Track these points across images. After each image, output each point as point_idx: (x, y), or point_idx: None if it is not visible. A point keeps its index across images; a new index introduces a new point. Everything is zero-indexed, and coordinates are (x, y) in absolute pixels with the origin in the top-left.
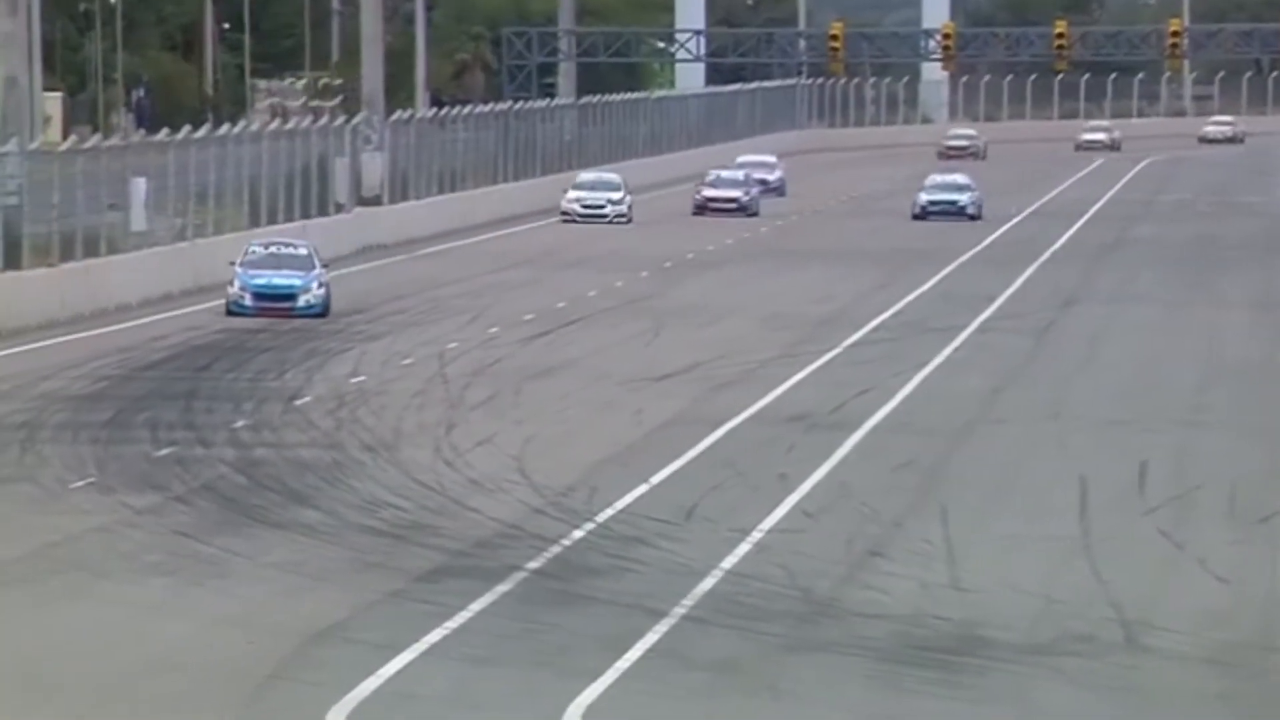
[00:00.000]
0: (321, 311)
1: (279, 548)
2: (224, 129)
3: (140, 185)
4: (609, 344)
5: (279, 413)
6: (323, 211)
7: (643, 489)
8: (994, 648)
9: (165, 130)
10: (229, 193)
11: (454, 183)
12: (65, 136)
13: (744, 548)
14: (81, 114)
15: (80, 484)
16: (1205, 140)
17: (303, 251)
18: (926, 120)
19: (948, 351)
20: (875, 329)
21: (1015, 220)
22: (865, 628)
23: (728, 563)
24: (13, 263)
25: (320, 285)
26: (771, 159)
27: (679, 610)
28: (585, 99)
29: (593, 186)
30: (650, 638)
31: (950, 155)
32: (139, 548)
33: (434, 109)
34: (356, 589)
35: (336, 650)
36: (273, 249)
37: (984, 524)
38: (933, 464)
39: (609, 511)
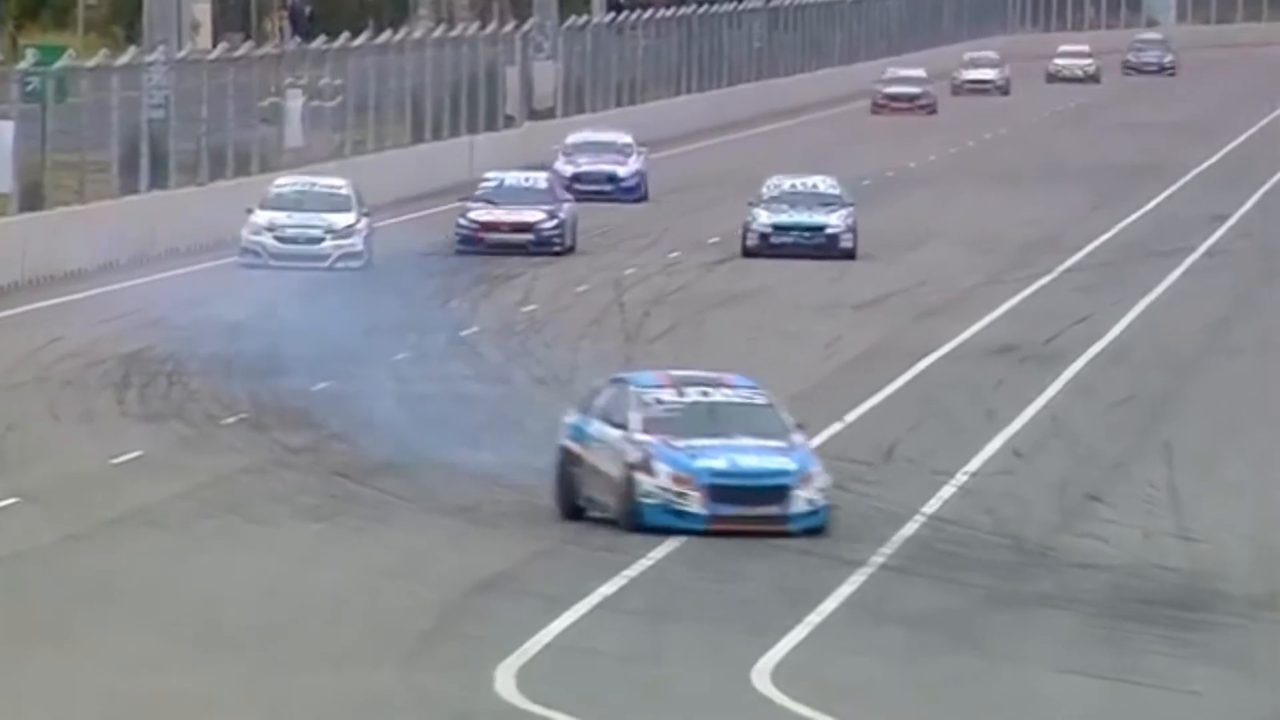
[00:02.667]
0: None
1: (444, 491)
2: (385, 36)
3: (295, 98)
4: (800, 270)
5: (444, 344)
6: (490, 126)
7: (837, 427)
8: (1225, 602)
9: (322, 38)
10: (390, 105)
11: (633, 94)
12: (215, 44)
13: (948, 491)
14: (232, 20)
15: (231, 420)
16: None
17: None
18: (1152, 23)
19: (1173, 277)
20: (1091, 253)
21: (1244, 137)
22: (1082, 579)
23: (930, 507)
24: (159, 181)
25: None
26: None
27: (876, 560)
28: (776, 1)
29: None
30: (844, 590)
31: (890, 107)
32: (294, 490)
33: (611, 14)
34: (527, 536)
35: (505, 603)
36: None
37: (1213, 466)
38: (1155, 400)
39: None
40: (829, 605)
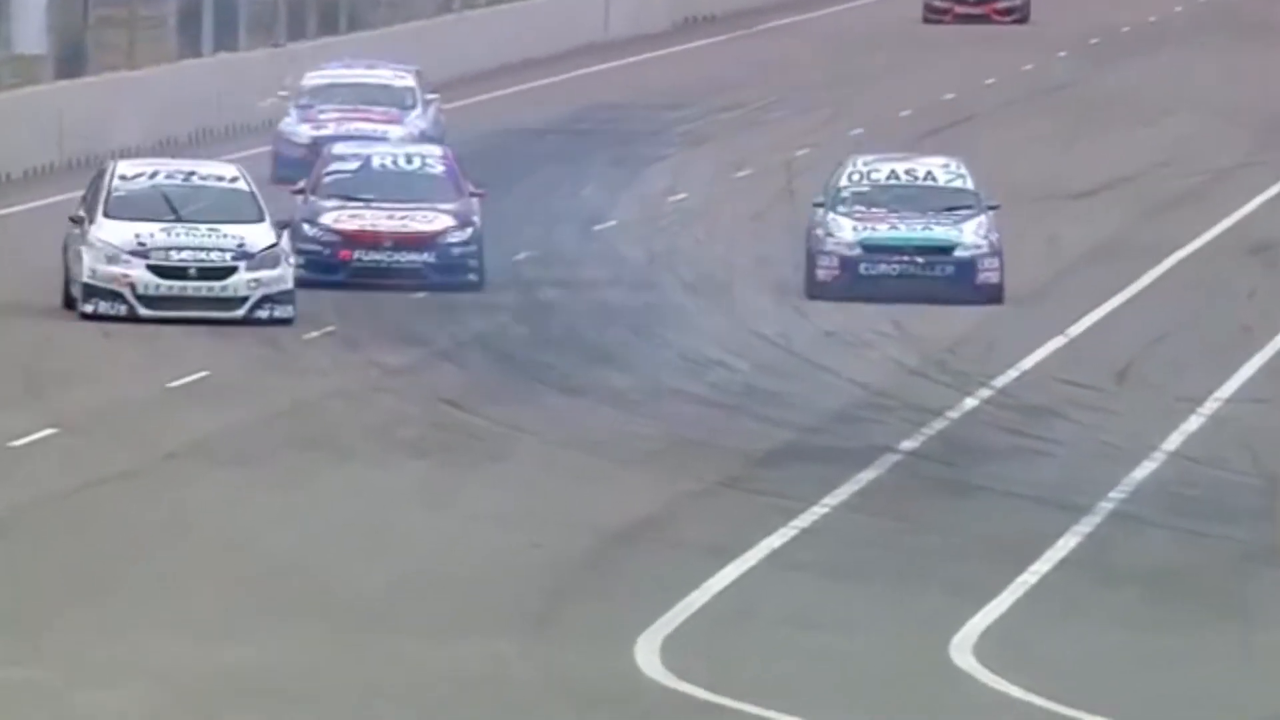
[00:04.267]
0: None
1: (573, 421)
2: None
3: None
4: (1012, 149)
5: (575, 241)
6: None
7: (1058, 343)
8: None
9: None
10: None
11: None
12: None
13: (1194, 422)
14: None
15: (316, 334)
16: None
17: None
18: None
19: None
20: None
21: None
22: None
23: (1172, 442)
24: (225, 42)
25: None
26: None
27: (1105, 506)
28: None
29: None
30: (1066, 542)
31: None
32: (391, 419)
33: None
34: (674, 476)
35: (647, 556)
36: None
37: None
38: None
39: (1010, 374)
40: (1045, 563)
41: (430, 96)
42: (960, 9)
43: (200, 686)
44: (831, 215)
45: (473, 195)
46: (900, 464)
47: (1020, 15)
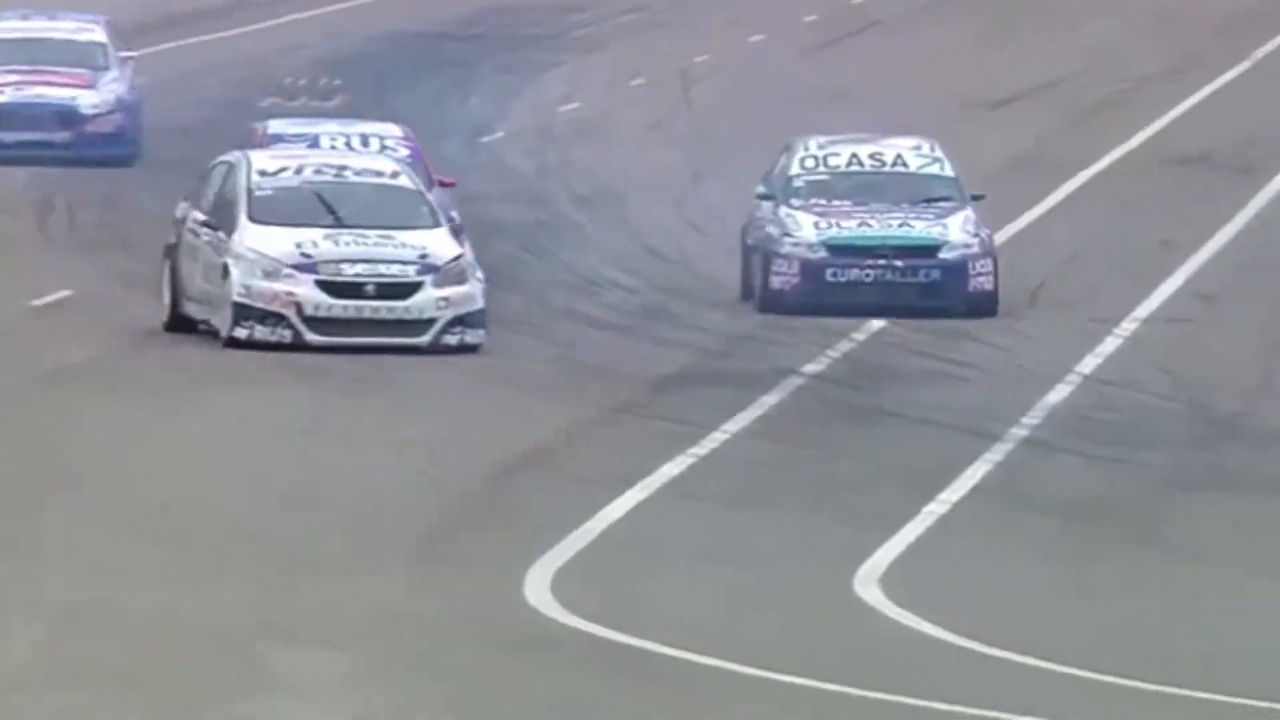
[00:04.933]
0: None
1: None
2: None
3: None
4: (925, 55)
5: (460, 154)
6: None
7: None
8: None
9: None
10: None
11: None
12: None
13: (1110, 344)
14: None
15: None
16: None
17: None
18: None
19: None
20: None
21: None
22: None
23: (1087, 365)
24: None
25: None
26: None
27: (1018, 432)
28: None
29: None
30: (977, 470)
31: None
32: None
33: None
34: (569, 402)
35: (542, 485)
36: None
37: None
38: None
39: None
40: (956, 491)
41: (126, 54)
42: None
43: (77, 621)
44: (785, 210)
45: (442, 185)
46: (804, 388)
47: None
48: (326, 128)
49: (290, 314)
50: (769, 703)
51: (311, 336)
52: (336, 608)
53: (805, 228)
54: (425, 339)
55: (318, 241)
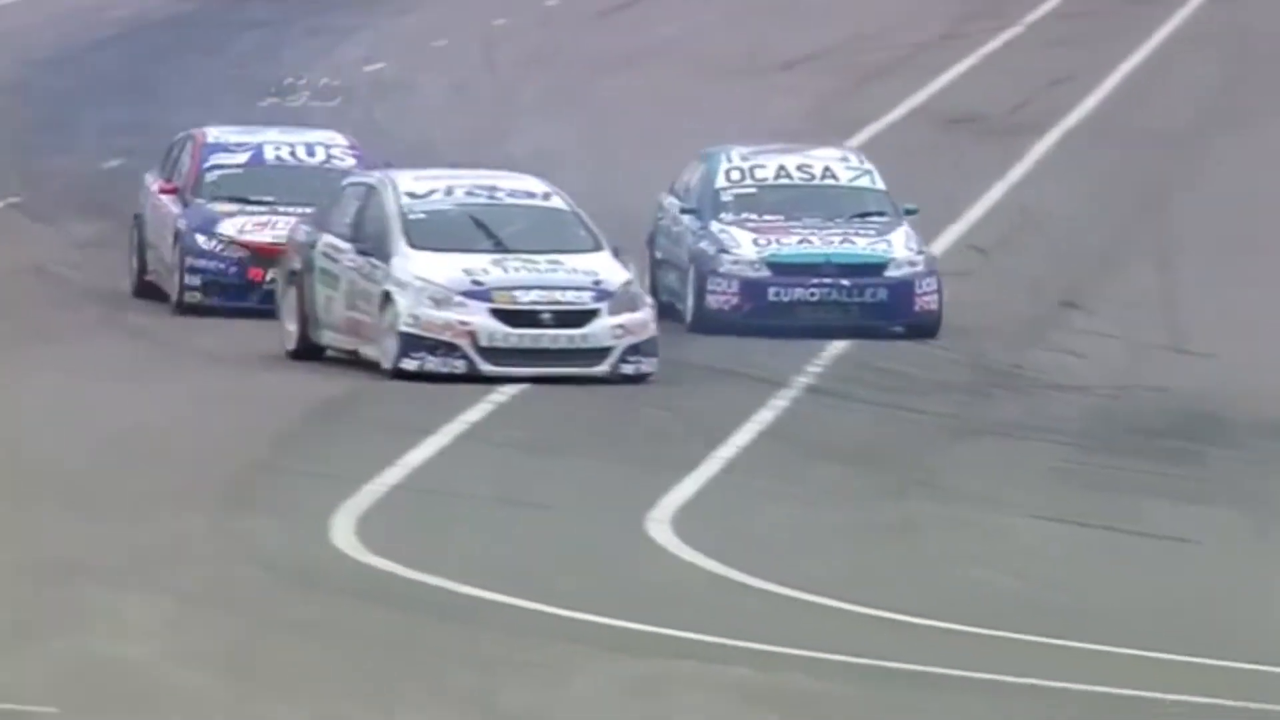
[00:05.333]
0: None
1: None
2: None
3: None
4: (714, 19)
5: (265, 113)
6: None
7: None
8: (1226, 430)
9: None
10: None
11: None
12: None
13: None
14: None
15: (1, 205)
16: None
17: None
18: None
19: (1171, 26)
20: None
21: None
22: (1056, 404)
23: None
24: None
25: None
26: None
27: (802, 380)
28: None
29: None
30: (764, 416)
31: None
32: (83, 294)
33: None
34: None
35: (346, 433)
36: None
37: (1216, 267)
38: (1148, 183)
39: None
40: (744, 435)
41: None
42: None
43: None
44: (718, 226)
45: None
46: None
47: None
48: (267, 136)
49: (464, 344)
50: (563, 638)
51: (487, 367)
52: (150, 549)
53: (744, 245)
54: (603, 368)
55: (487, 268)
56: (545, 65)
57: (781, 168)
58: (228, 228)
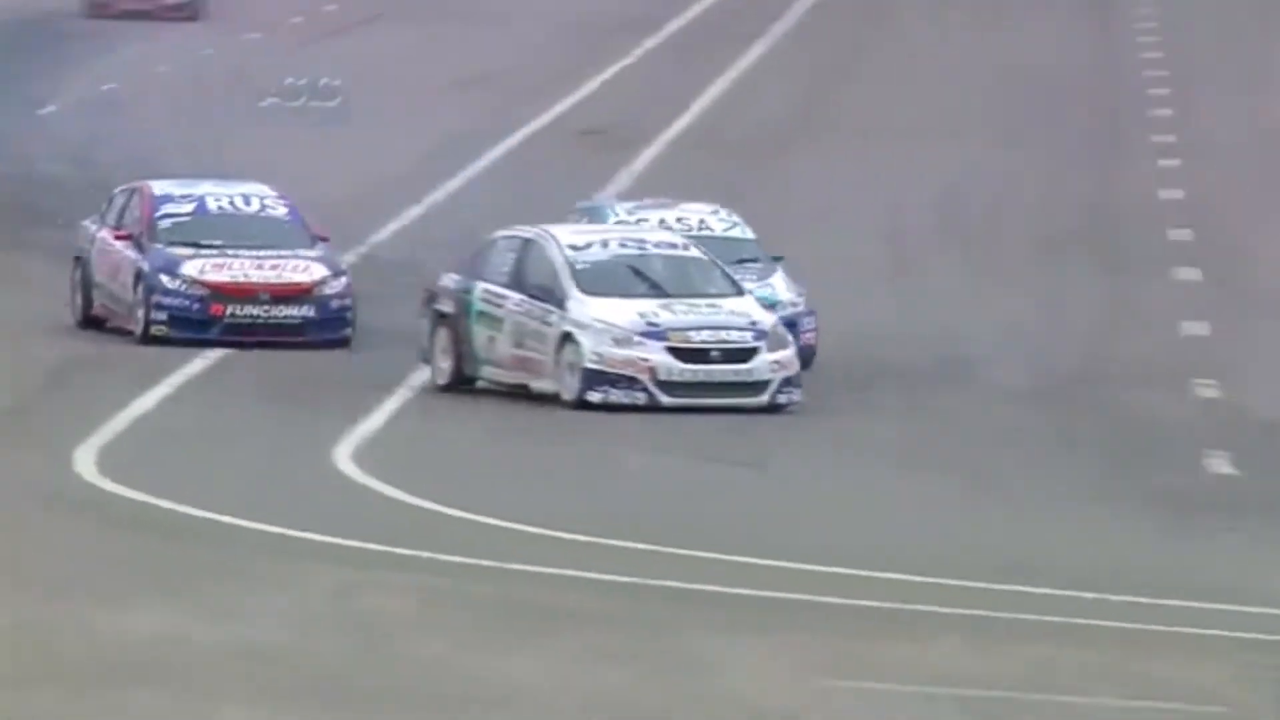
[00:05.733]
0: None
1: (29, 264)
2: None
3: None
4: (402, 49)
5: (18, 124)
6: None
7: (416, 211)
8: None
9: None
10: None
11: None
12: None
13: None
14: None
15: None
16: None
17: None
18: None
19: (759, 51)
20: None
21: None
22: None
23: None
24: None
25: None
26: None
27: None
28: None
29: None
30: (423, 376)
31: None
32: None
33: None
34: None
35: (91, 384)
36: None
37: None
38: (732, 189)
39: (381, 234)
40: (416, 379)
41: None
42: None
43: None
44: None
45: (318, 239)
46: None
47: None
48: (205, 188)
49: (645, 378)
50: (267, 550)
51: (664, 399)
52: None
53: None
54: (762, 399)
55: (657, 311)
56: (253, 89)
57: (663, 220)
58: (189, 269)
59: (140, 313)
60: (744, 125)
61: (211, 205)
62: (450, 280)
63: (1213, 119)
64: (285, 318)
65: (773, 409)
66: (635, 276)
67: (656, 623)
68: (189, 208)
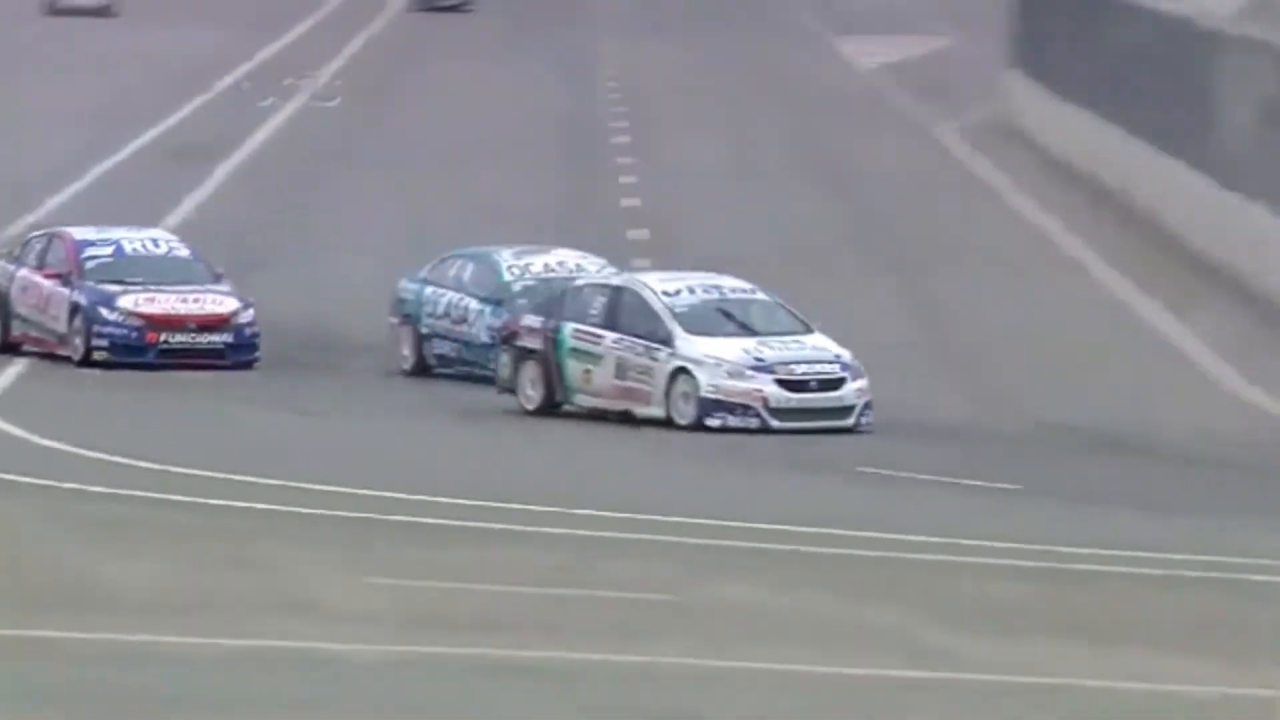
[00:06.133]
0: None
1: None
2: None
3: None
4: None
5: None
6: None
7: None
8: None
9: None
10: None
11: None
12: None
13: None
14: None
15: None
16: None
17: None
18: None
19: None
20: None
21: None
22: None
23: None
24: None
25: None
26: None
27: None
28: None
29: None
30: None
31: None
32: None
33: None
34: None
35: None
36: None
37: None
38: (284, 196)
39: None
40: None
41: None
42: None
43: None
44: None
45: (218, 275)
46: None
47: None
48: (119, 233)
49: (758, 406)
50: None
51: (775, 424)
52: None
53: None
54: (850, 421)
55: (758, 348)
56: None
57: (546, 264)
58: (125, 302)
59: (79, 340)
60: (308, 147)
61: (128, 248)
62: (533, 321)
63: (661, 149)
64: (209, 344)
65: (857, 430)
66: (724, 318)
67: (235, 534)
68: (109, 250)
